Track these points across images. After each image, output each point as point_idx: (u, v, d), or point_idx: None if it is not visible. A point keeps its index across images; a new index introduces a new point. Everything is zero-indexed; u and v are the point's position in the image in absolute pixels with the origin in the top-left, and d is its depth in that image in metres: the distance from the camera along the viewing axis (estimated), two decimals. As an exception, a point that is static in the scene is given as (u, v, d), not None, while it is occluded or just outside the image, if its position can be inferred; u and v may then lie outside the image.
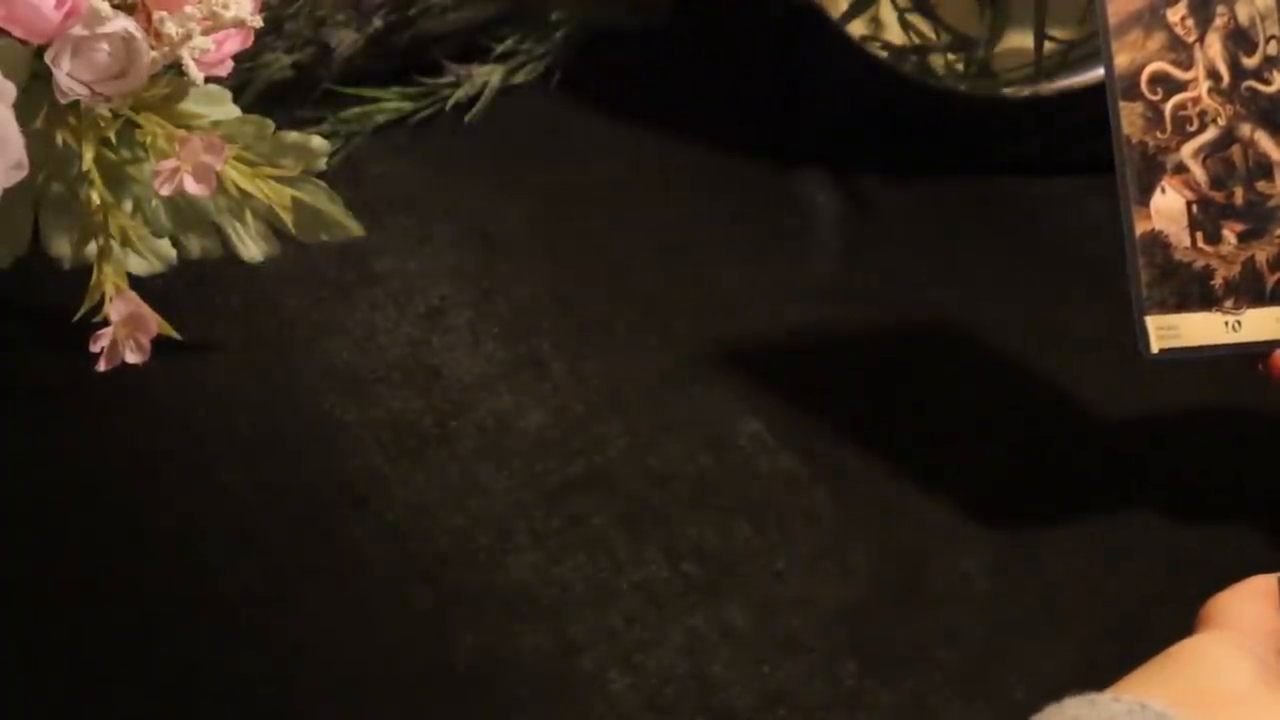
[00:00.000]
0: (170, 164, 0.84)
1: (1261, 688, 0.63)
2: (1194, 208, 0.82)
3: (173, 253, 0.91)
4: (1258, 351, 0.82)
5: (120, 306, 0.86)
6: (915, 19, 1.03)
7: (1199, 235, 0.82)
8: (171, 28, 0.82)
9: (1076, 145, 1.00)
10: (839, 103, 1.07)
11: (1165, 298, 0.82)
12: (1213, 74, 0.83)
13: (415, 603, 0.85)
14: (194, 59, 0.83)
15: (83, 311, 0.86)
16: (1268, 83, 0.83)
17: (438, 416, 0.92)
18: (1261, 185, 0.83)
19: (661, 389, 0.94)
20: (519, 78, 1.08)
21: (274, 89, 1.03)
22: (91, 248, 0.87)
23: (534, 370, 0.94)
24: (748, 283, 0.99)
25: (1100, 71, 0.83)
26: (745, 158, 1.05)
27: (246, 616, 0.84)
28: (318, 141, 0.88)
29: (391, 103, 1.06)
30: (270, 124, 0.88)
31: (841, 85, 1.05)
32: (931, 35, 1.03)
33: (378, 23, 1.05)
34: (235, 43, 0.85)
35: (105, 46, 0.82)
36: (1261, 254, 0.83)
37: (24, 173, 0.82)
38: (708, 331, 0.96)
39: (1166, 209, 0.82)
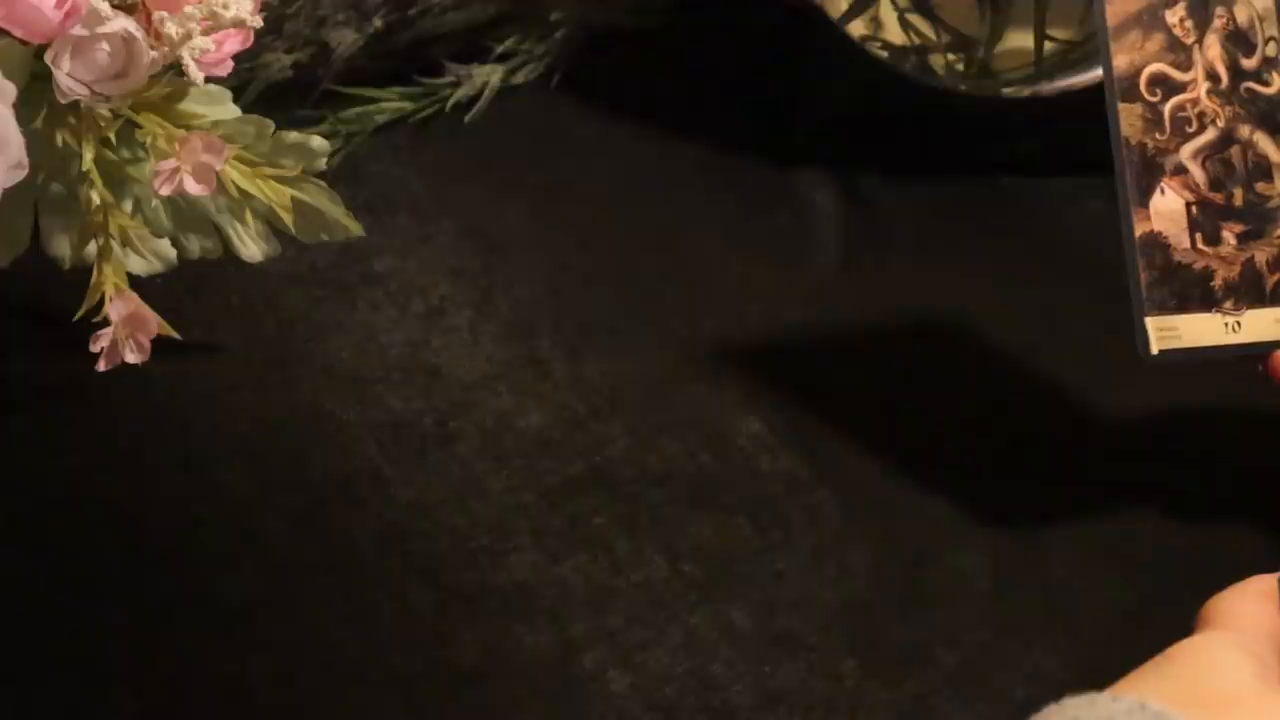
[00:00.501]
0: (170, 164, 0.84)
1: (1261, 688, 0.63)
2: (1193, 209, 0.82)
3: (173, 253, 0.91)
4: (1258, 352, 0.82)
5: (120, 306, 0.86)
6: (915, 19, 1.03)
7: (1198, 236, 0.82)
8: (171, 28, 0.82)
9: (1076, 145, 1.00)
10: (839, 102, 1.07)
11: (1165, 299, 0.82)
12: (1212, 75, 0.83)
13: (415, 602, 0.85)
14: (194, 59, 0.83)
15: (83, 311, 0.86)
16: (1266, 84, 0.83)
17: (438, 416, 0.92)
18: (1261, 186, 0.83)
19: (661, 389, 0.94)
20: (519, 78, 1.08)
21: (274, 89, 1.03)
22: (91, 248, 0.87)
23: (534, 370, 0.94)
24: (747, 283, 0.99)
25: (1100, 71, 0.83)
26: (745, 158, 1.05)
27: (246, 616, 0.84)
28: (318, 141, 0.88)
29: (391, 103, 1.06)
30: (270, 124, 0.88)
31: (841, 85, 1.05)
32: (931, 35, 1.03)
33: (378, 23, 1.05)
34: (235, 43, 0.85)
35: (105, 46, 0.82)
36: (1261, 255, 0.83)
37: (24, 173, 0.82)
38: (708, 331, 0.96)
39: (1166, 210, 0.82)
